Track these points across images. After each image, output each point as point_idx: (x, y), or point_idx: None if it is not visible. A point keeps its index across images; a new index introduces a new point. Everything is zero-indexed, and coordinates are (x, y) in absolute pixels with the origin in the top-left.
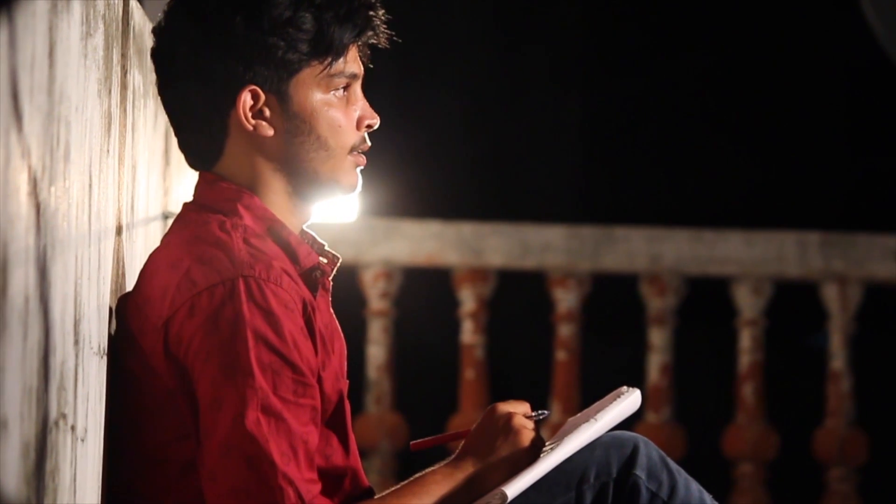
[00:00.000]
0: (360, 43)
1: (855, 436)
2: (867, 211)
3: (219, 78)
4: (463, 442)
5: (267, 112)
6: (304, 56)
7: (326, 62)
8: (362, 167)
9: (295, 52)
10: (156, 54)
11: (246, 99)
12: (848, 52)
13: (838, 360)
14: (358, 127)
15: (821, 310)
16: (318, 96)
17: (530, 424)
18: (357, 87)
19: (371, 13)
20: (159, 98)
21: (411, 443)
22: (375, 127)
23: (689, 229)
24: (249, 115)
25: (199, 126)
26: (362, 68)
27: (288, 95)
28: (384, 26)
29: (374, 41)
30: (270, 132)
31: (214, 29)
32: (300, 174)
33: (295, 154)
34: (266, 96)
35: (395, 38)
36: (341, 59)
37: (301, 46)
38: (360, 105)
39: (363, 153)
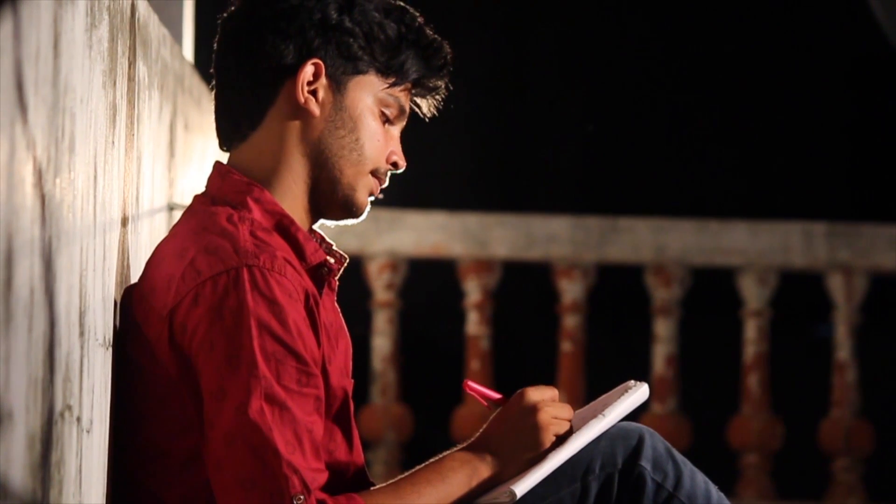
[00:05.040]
0: (415, 89)
1: (860, 426)
2: (873, 201)
3: (294, 37)
4: (485, 426)
5: (321, 93)
6: (373, 60)
7: (389, 81)
8: (373, 198)
9: (367, 51)
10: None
11: (308, 70)
12: (854, 41)
13: (844, 350)
14: (387, 158)
15: (826, 300)
16: (370, 105)
17: (555, 421)
18: (398, 128)
19: (444, 70)
20: (214, 57)
21: (467, 381)
22: (399, 170)
23: (694, 220)
24: (306, 87)
25: (251, 83)
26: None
27: (346, 88)
28: (443, 91)
29: (424, 97)
30: (317, 112)
31: None
32: (325, 168)
33: (329, 145)
34: (326, 79)
35: (440, 108)
36: (401, 88)
37: (375, 48)
38: (395, 144)
39: (380, 187)
